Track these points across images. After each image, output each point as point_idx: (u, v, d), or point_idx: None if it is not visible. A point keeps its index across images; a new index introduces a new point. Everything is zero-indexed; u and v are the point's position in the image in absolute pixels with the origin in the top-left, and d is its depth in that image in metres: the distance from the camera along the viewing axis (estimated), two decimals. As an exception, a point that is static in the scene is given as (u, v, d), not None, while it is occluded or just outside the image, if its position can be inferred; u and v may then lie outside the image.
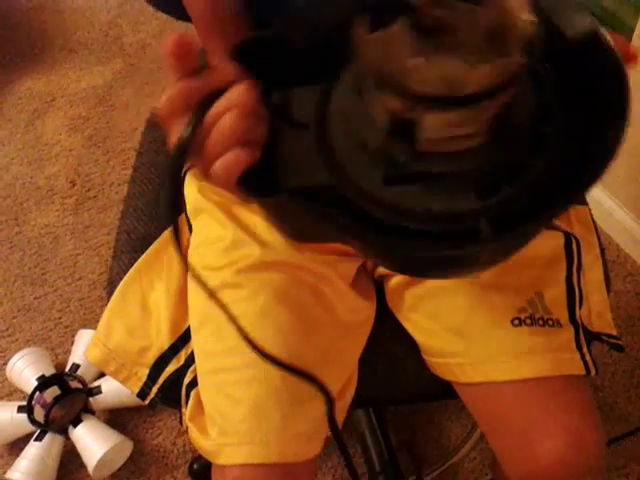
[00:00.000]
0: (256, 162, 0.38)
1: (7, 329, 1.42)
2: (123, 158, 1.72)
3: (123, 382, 0.69)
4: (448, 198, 0.36)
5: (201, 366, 0.65)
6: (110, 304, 0.72)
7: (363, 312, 0.69)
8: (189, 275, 0.69)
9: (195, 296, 0.67)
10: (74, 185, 1.68)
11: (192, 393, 0.66)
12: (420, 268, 0.46)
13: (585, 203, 0.77)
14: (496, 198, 0.36)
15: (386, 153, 0.36)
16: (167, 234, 0.74)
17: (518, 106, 0.35)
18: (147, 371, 0.69)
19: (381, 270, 0.69)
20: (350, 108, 0.38)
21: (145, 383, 0.69)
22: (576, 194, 0.36)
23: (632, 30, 1.24)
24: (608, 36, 0.38)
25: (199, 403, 0.65)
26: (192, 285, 0.69)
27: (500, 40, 0.32)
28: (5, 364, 1.31)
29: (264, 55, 0.40)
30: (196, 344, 0.67)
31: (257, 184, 0.38)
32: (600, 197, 1.40)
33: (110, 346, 0.69)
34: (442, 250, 0.37)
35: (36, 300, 1.46)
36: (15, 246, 1.56)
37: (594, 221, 0.75)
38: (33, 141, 1.80)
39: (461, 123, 0.33)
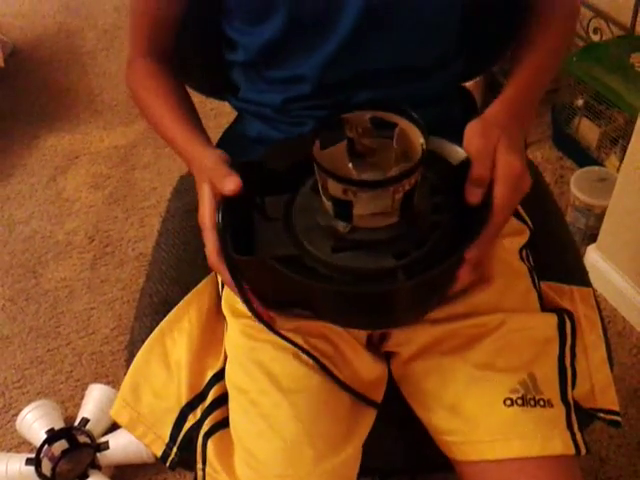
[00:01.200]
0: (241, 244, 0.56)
1: (19, 380, 1.44)
2: (141, 216, 1.77)
3: (148, 445, 0.70)
4: (375, 259, 0.54)
5: (233, 401, 0.68)
6: (134, 365, 0.75)
7: (377, 373, 0.71)
8: (227, 318, 0.73)
9: (226, 338, 0.72)
10: (92, 241, 1.73)
11: (210, 440, 0.67)
12: (366, 314, 0.59)
13: (589, 285, 0.80)
14: (407, 259, 0.53)
15: (332, 229, 0.55)
16: (190, 297, 0.78)
17: (420, 201, 0.55)
18: (169, 431, 0.71)
19: (388, 345, 0.72)
20: (308, 204, 0.58)
21: (167, 444, 0.70)
22: (457, 258, 0.54)
23: (635, 108, 1.30)
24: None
25: (222, 445, 0.66)
26: (228, 330, 0.73)
27: (405, 156, 0.53)
28: (15, 415, 1.32)
29: (250, 173, 0.59)
30: (229, 379, 0.70)
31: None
32: (606, 269, 1.43)
33: (139, 409, 0.71)
34: (374, 288, 0.53)
35: (49, 352, 1.48)
36: (31, 298, 1.60)
37: (597, 301, 0.78)
38: (54, 196, 1.87)
39: (380, 201, 0.51)
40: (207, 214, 0.59)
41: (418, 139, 0.53)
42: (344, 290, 0.54)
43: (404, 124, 0.54)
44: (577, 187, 1.51)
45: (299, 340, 0.66)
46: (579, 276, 0.80)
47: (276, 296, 0.61)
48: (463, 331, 0.66)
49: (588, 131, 1.69)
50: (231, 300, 0.72)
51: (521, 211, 0.78)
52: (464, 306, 0.66)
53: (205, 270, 0.77)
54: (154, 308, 0.78)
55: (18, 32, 2.52)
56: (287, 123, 0.73)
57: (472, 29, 0.73)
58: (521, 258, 0.73)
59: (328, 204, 0.54)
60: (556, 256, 0.81)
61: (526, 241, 0.76)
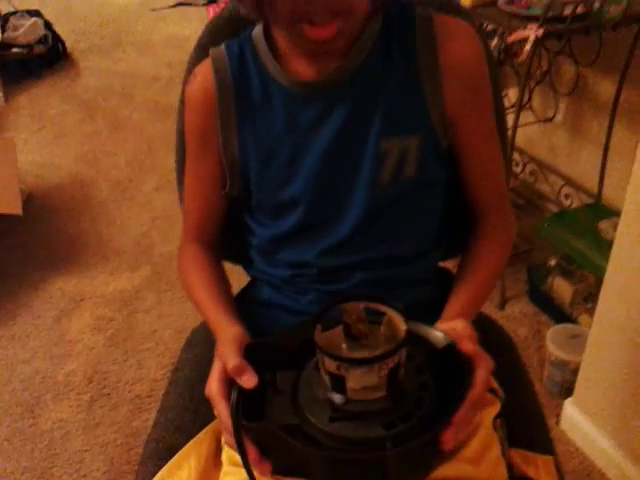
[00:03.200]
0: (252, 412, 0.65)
1: (7, 523, 1.44)
2: (139, 358, 1.85)
3: None
4: (367, 429, 0.61)
5: None
6: None
7: None
8: (224, 466, 0.79)
9: None
10: (90, 382, 1.79)
11: None
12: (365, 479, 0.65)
13: (552, 453, 0.85)
14: (395, 430, 0.61)
15: (330, 401, 0.63)
16: (190, 446, 0.84)
17: (408, 378, 0.64)
18: None
19: None
20: (312, 379, 0.66)
21: None
22: (438, 430, 0.61)
23: (602, 270, 1.42)
24: (457, 345, 0.68)
25: None
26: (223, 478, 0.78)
27: (392, 339, 0.62)
28: None
29: (263, 351, 0.70)
30: None
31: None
32: (582, 423, 1.50)
33: None
34: (363, 455, 0.61)
35: (40, 495, 1.50)
36: (28, 439, 1.63)
37: (559, 469, 0.83)
38: (57, 338, 1.95)
39: (368, 377, 0.60)
40: (214, 385, 0.69)
41: (402, 326, 0.63)
42: (335, 456, 0.62)
43: (391, 313, 0.65)
44: (552, 343, 1.61)
45: None
46: (543, 445, 0.86)
47: (279, 461, 0.67)
48: None
49: (562, 289, 1.82)
50: (231, 451, 0.79)
51: (494, 384, 0.86)
52: (442, 472, 0.71)
53: (207, 419, 0.85)
54: (158, 454, 0.84)
55: (34, 180, 2.72)
56: (294, 292, 0.86)
57: (450, 225, 0.89)
58: (494, 427, 0.80)
59: (326, 378, 0.63)
60: (525, 426, 0.88)
61: (498, 411, 0.82)
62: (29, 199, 2.56)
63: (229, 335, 0.73)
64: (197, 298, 0.86)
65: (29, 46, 3.71)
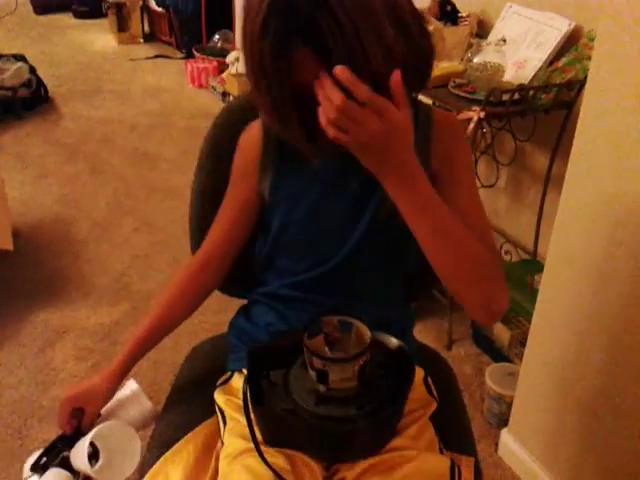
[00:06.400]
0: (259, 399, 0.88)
1: (-3, 534, 1.57)
2: (120, 386, 2.01)
3: None
4: (344, 410, 0.84)
5: None
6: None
7: None
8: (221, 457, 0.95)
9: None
10: (74, 407, 1.94)
11: None
12: (342, 447, 0.89)
13: (473, 455, 1.04)
14: (364, 410, 0.84)
15: (315, 390, 0.85)
16: (188, 437, 1.01)
17: (372, 371, 0.85)
18: None
19: (339, 473, 0.94)
20: (299, 374, 0.89)
21: None
22: (395, 412, 0.88)
23: (530, 314, 1.66)
24: (406, 348, 0.92)
25: None
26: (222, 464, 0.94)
27: (359, 343, 0.85)
28: None
29: (264, 352, 0.93)
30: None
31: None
32: (517, 451, 1.71)
33: None
34: (346, 424, 0.84)
35: (27, 509, 1.64)
36: (16, 458, 1.77)
37: (478, 468, 1.01)
38: (42, 366, 2.10)
39: (345, 371, 0.82)
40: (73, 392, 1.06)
41: (366, 332, 0.86)
42: (323, 430, 0.85)
43: (358, 324, 0.87)
44: (491, 379, 1.84)
45: (278, 460, 0.88)
46: (468, 449, 1.06)
47: (277, 436, 0.90)
48: (389, 460, 0.91)
49: (501, 333, 2.07)
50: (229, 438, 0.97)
51: (433, 391, 1.07)
52: (391, 444, 0.92)
53: (200, 419, 1.04)
54: (161, 443, 1.02)
55: (17, 217, 2.86)
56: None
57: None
58: (431, 420, 1.00)
59: (312, 373, 0.85)
60: (457, 432, 1.09)
61: (433, 410, 1.02)
62: (13, 235, 2.70)
63: (100, 380, 1.11)
64: (148, 317, 1.15)
65: (13, 89, 3.89)
